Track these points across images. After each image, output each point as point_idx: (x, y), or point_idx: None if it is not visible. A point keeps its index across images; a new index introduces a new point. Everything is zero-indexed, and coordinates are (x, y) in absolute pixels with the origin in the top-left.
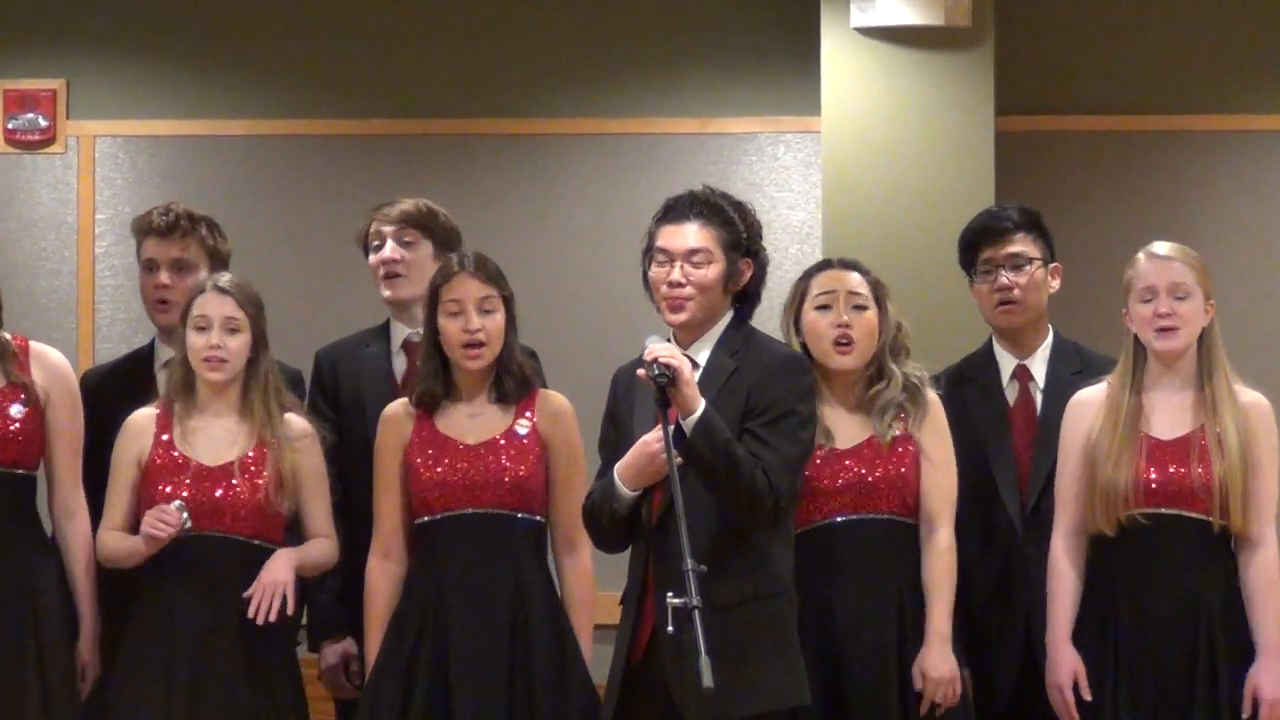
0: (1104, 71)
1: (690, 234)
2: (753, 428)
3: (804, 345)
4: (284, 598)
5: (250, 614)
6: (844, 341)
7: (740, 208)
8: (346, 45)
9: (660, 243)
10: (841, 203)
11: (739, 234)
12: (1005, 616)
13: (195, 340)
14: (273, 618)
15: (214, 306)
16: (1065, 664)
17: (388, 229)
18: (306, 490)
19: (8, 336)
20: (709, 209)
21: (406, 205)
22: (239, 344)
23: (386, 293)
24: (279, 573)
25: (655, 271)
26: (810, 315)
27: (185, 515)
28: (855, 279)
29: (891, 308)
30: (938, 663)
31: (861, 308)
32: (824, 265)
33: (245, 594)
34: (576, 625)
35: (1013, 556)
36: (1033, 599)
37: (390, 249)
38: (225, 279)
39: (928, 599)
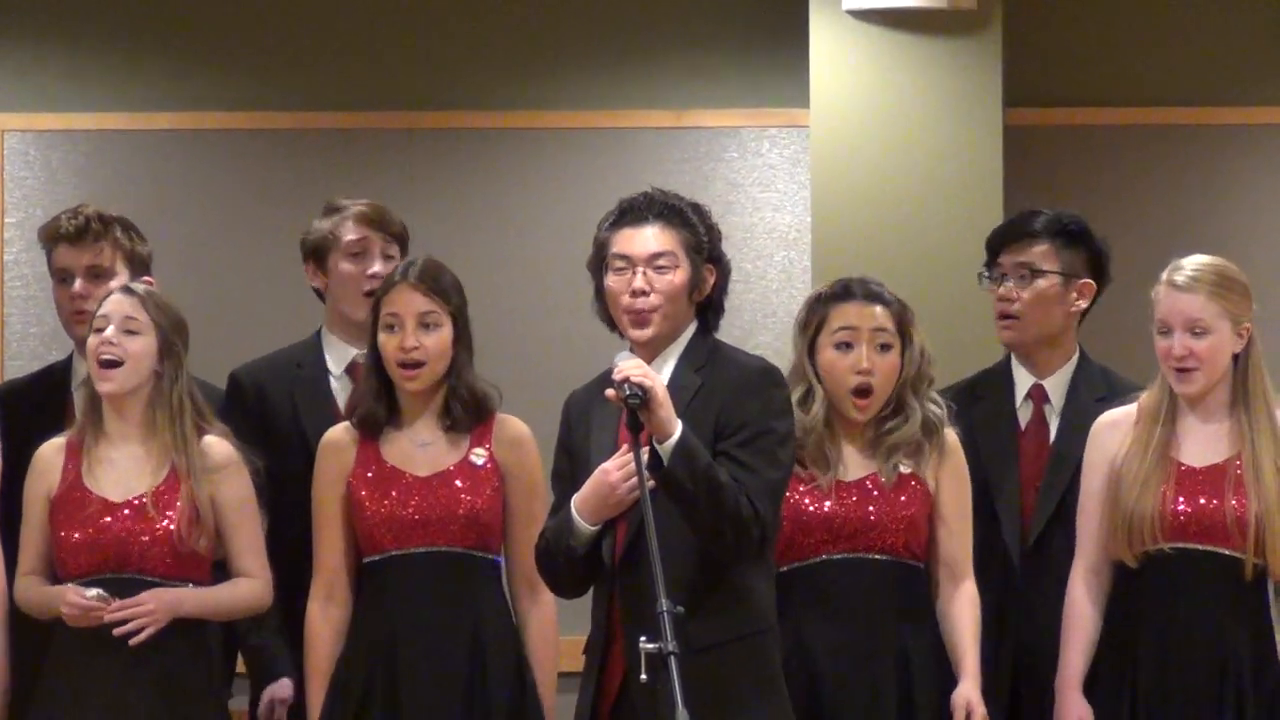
0: (1123, 60)
1: (651, 237)
2: (727, 449)
3: (818, 377)
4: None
5: (107, 616)
6: (864, 391)
7: (698, 209)
8: (282, 32)
9: (618, 249)
10: (832, 204)
11: (701, 237)
12: (992, 667)
13: (90, 341)
14: (134, 636)
15: (113, 306)
16: (1071, 713)
17: (376, 238)
18: (229, 524)
19: None
20: (668, 210)
21: (362, 206)
22: (138, 347)
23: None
24: (157, 605)
25: (614, 280)
26: (828, 354)
27: (102, 597)
28: (880, 314)
29: (917, 336)
30: (979, 700)
31: (886, 346)
32: (846, 294)
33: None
34: (538, 676)
35: (1007, 600)
36: (1024, 648)
37: (380, 265)
38: (138, 285)
39: (957, 637)
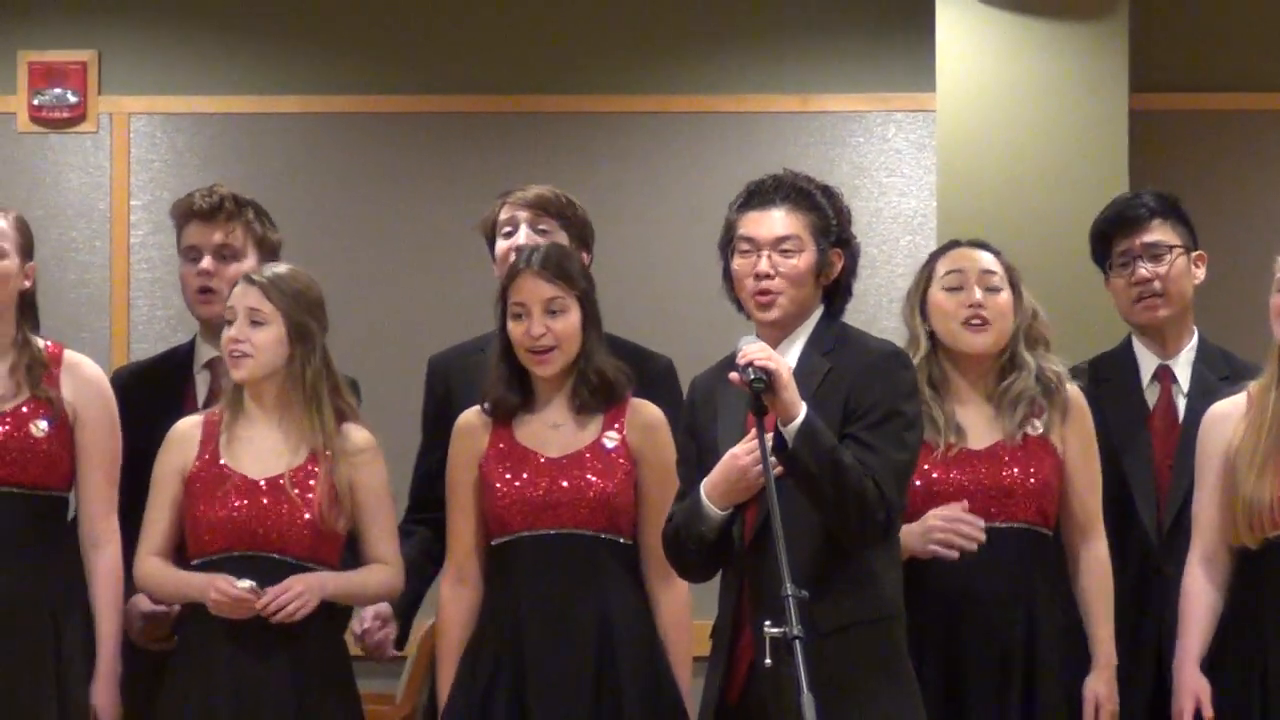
0: (1250, 43)
1: (777, 220)
2: (855, 432)
3: (930, 332)
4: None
5: (260, 605)
6: (976, 321)
7: (827, 191)
8: (410, 14)
9: (744, 231)
10: (958, 189)
11: (829, 220)
12: (1138, 641)
13: (224, 333)
14: (293, 615)
15: (239, 298)
16: (1187, 688)
17: (522, 214)
18: (366, 510)
19: (40, 343)
20: (795, 193)
21: (542, 190)
22: (265, 338)
23: None
24: (305, 588)
25: (740, 263)
26: (938, 296)
27: (254, 590)
28: (988, 258)
29: (1027, 294)
30: (1112, 691)
31: (995, 289)
32: (951, 244)
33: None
34: (673, 659)
35: (1149, 575)
36: (1169, 621)
37: (525, 235)
38: (265, 270)
39: (1091, 618)
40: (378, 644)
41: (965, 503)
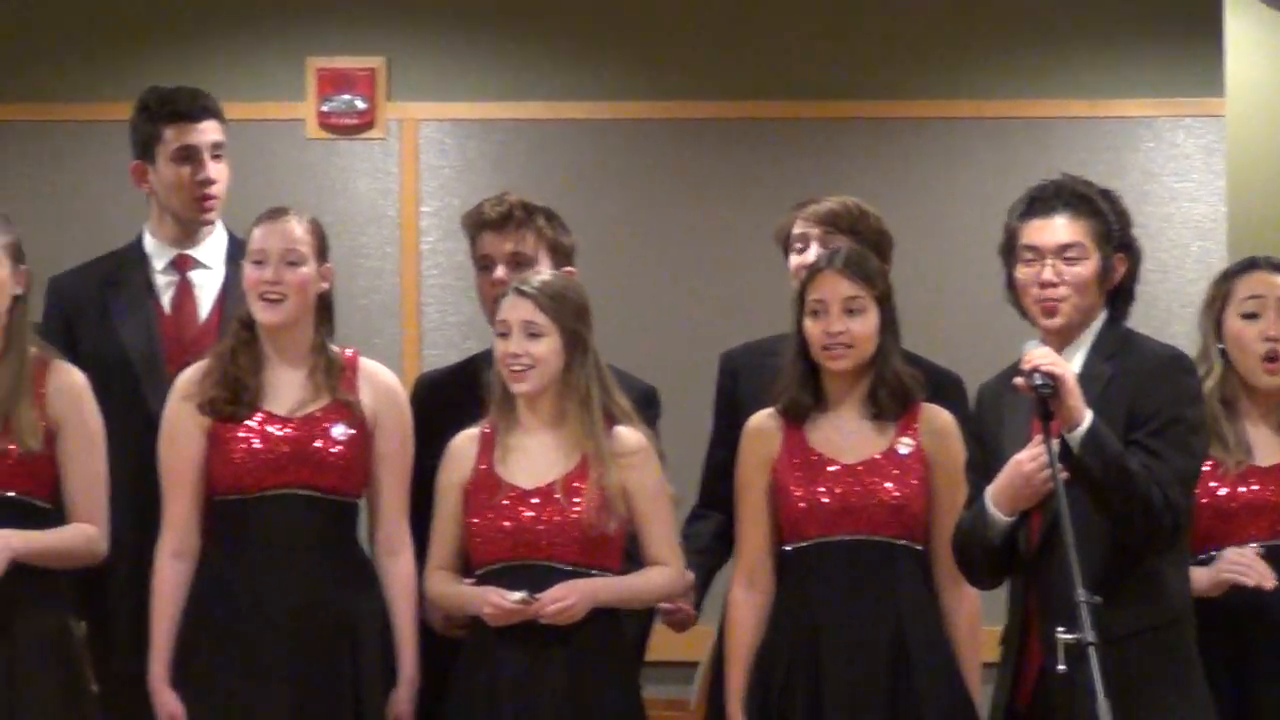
0: None
1: (1060, 228)
2: (1139, 438)
3: (1223, 352)
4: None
5: (532, 613)
6: (1274, 357)
7: (1108, 196)
8: (698, 20)
9: (1026, 239)
10: (1249, 194)
11: (1110, 225)
12: None
13: (498, 348)
14: (561, 623)
15: (511, 310)
16: None
17: (814, 231)
18: (641, 512)
19: (336, 350)
20: (1077, 199)
21: (833, 205)
22: (543, 350)
23: None
24: (578, 599)
25: (1023, 272)
26: (1235, 323)
27: (528, 598)
28: None
29: None
30: None
31: None
32: (1250, 265)
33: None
34: (964, 665)
35: None
36: None
37: (815, 253)
38: (532, 280)
39: None
40: (676, 613)
41: (1257, 546)
